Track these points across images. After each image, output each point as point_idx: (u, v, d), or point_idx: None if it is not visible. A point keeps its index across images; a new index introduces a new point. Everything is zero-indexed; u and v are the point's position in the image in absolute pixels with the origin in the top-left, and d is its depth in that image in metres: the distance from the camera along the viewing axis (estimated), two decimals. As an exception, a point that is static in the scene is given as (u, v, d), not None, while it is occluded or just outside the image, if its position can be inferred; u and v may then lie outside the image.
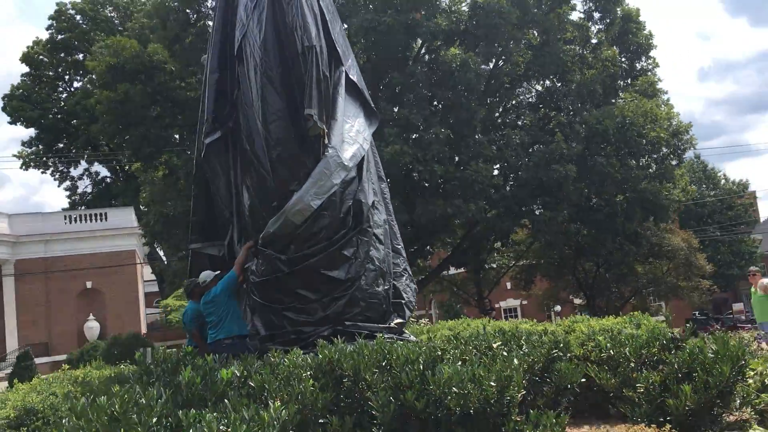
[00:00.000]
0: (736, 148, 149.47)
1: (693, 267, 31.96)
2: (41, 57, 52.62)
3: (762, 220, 65.57)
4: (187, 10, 24.36)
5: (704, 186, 56.70)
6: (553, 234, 22.65)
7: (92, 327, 39.11)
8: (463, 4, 21.94)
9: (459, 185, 19.69)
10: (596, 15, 25.02)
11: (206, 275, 9.01)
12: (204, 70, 24.01)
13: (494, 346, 7.35)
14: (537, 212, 22.56)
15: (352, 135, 9.04)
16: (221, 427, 5.11)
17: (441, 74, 20.51)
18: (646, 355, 6.67)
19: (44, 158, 52.75)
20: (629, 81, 26.91)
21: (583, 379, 7.04)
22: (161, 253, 47.43)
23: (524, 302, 51.82)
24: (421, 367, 6.66)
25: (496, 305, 51.00)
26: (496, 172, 21.78)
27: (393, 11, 19.61)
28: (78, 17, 53.16)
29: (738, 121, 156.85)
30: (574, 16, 24.99)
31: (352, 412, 6.51)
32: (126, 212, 42.47)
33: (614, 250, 25.54)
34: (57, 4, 52.24)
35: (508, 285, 46.57)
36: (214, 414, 5.28)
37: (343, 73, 9.28)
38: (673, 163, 24.76)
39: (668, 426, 5.57)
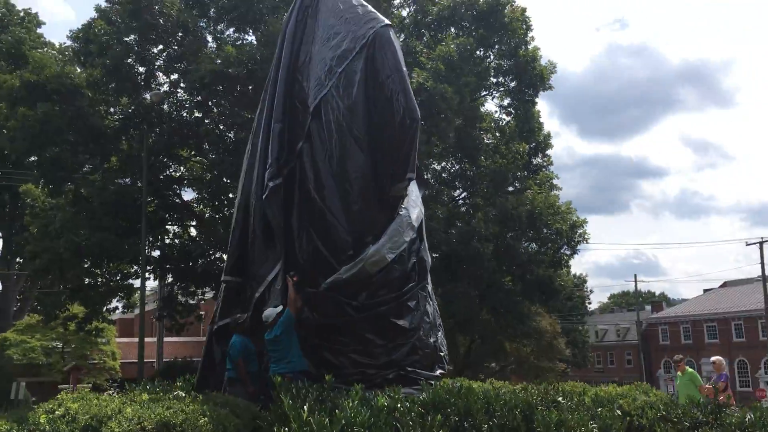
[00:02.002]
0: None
1: (555, 350, 34.88)
2: None
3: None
4: (129, 39, 24.33)
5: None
6: (463, 307, 24.25)
7: None
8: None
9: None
10: (513, 111, 27.73)
11: (269, 314, 9.40)
12: (140, 109, 23.63)
13: (558, 400, 8.49)
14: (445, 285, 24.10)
15: (413, 199, 10.01)
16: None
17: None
18: (695, 417, 8.05)
19: None
20: (525, 173, 29.63)
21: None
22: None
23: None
24: (517, 412, 7.66)
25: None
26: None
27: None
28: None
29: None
30: (491, 106, 27.48)
31: (459, 446, 7.35)
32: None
33: (504, 326, 27.57)
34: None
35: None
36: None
37: (406, 143, 10.28)
38: (568, 253, 27.57)
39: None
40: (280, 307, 9.50)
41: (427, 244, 10.17)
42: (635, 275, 61.27)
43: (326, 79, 10.17)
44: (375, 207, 9.65)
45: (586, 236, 27.32)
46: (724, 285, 77.49)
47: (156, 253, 29.34)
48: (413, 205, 9.97)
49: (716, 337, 69.95)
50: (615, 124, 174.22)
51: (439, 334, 10.45)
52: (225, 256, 26.90)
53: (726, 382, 13.14)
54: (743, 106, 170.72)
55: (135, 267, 29.42)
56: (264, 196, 10.23)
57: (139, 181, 27.11)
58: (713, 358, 14.17)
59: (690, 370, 14.66)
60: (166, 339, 41.45)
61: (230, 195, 28.67)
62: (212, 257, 26.12)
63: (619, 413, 7.69)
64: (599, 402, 8.79)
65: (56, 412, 8.74)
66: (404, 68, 9.79)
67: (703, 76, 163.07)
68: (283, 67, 10.93)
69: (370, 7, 10.62)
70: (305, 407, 5.92)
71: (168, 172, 29.43)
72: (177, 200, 28.67)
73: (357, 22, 10.24)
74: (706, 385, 13.38)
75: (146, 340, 54.63)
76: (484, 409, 7.56)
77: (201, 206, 29.70)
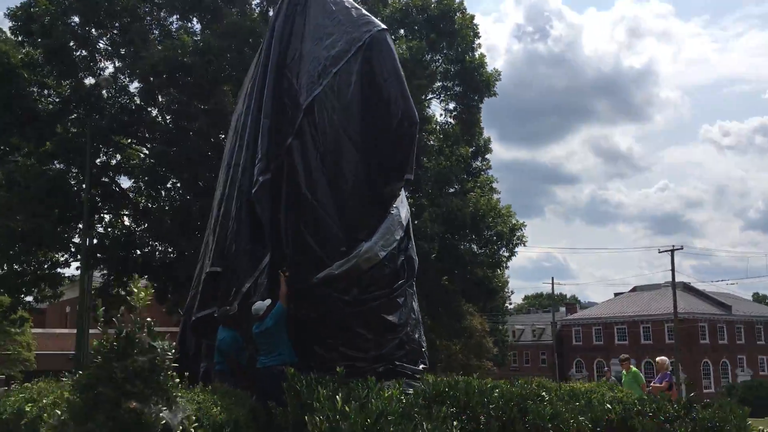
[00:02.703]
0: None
1: (483, 348, 35.84)
2: None
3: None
4: (73, 21, 23.68)
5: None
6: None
7: None
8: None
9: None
10: (458, 115, 28.39)
11: (260, 307, 9.49)
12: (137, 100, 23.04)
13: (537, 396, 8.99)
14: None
15: (400, 199, 10.35)
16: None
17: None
18: (669, 412, 8.69)
19: None
20: (466, 176, 30.35)
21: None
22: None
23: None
24: (512, 404, 8.10)
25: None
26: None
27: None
28: None
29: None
30: (436, 108, 28.00)
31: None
32: None
33: (438, 324, 28.22)
34: None
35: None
36: (429, 426, 6.33)
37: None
38: (506, 255, 28.44)
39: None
40: (269, 301, 9.61)
41: (414, 244, 10.50)
42: (552, 278, 63.60)
43: (320, 78, 10.32)
44: (367, 205, 9.89)
45: (524, 239, 28.39)
46: (634, 290, 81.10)
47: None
48: (402, 205, 10.31)
49: (626, 339, 73.21)
50: (533, 131, 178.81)
51: (421, 330, 10.80)
52: (169, 247, 26.53)
53: (670, 381, 13.95)
54: (652, 120, 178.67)
55: (65, 255, 28.57)
56: (254, 191, 10.32)
57: (73, 166, 26.35)
58: (658, 358, 14.95)
59: (634, 369, 15.48)
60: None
61: (168, 185, 28.19)
62: (156, 248, 25.64)
63: (609, 407, 8.21)
64: (576, 397, 9.36)
65: (44, 401, 8.60)
66: (401, 72, 10.07)
67: (616, 89, 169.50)
68: (272, 63, 11.02)
69: (363, 10, 10.86)
70: (338, 396, 6.14)
71: (104, 159, 28.69)
72: (115, 188, 28.00)
73: (352, 24, 10.44)
74: (653, 384, 14.22)
75: (63, 331, 52.74)
76: (481, 402, 7.96)
77: (137, 195, 29.09)
